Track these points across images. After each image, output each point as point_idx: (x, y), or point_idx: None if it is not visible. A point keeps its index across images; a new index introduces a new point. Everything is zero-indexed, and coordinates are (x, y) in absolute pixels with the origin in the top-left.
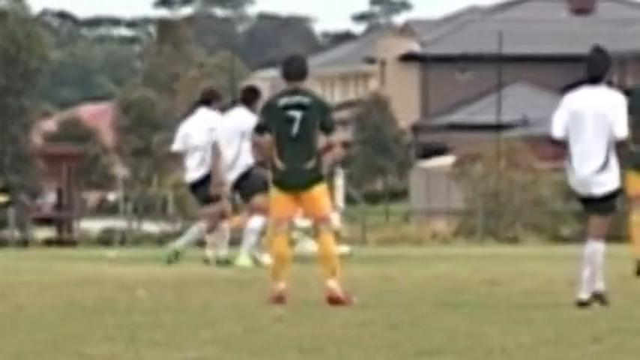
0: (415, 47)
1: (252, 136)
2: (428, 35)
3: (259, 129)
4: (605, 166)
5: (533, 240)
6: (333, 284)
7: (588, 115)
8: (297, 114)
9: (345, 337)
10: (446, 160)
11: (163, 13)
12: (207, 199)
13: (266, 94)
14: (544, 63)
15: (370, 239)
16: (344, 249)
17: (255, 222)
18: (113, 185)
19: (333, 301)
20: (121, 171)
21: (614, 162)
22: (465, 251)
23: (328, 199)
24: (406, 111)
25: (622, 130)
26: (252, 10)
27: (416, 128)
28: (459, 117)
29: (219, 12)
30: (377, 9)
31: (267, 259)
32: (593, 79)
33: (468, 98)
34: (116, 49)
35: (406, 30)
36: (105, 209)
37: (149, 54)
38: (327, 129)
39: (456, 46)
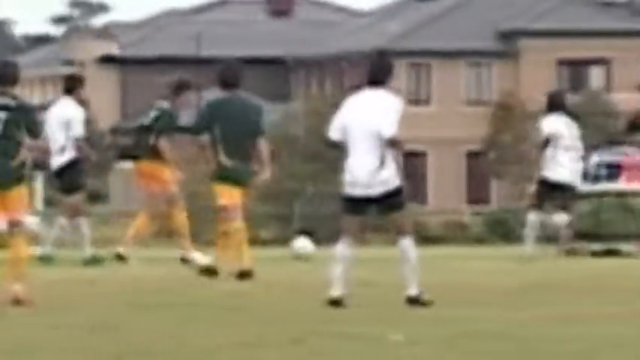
0: (114, 50)
1: None
2: (127, 38)
3: None
4: (381, 166)
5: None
6: (18, 287)
7: (364, 118)
8: (2, 115)
9: (44, 340)
10: None
11: None
12: (70, 189)
13: None
14: (243, 65)
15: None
16: (41, 250)
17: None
18: None
19: (17, 302)
20: None
21: (390, 161)
22: (167, 253)
23: (24, 202)
24: (105, 113)
25: (388, 130)
26: None
27: (115, 130)
28: None
29: None
30: (76, 11)
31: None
32: (373, 83)
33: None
34: None
35: (105, 32)
36: None
37: None
38: (33, 132)
39: (154, 49)
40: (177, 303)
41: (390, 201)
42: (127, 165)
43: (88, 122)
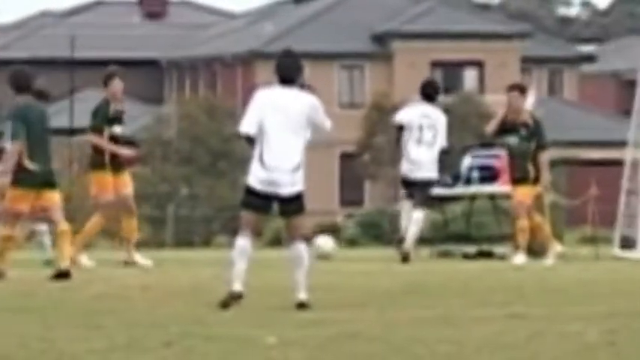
0: None
1: None
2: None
3: None
4: (299, 166)
5: (105, 244)
6: None
7: (284, 116)
8: None
9: None
10: None
11: None
12: None
13: None
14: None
15: None
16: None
17: None
18: None
19: None
20: None
21: (303, 163)
22: (37, 256)
23: None
24: None
25: (327, 124)
26: None
27: None
28: None
29: None
30: None
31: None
32: (286, 81)
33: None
34: None
35: None
36: None
37: None
38: None
39: (27, 51)
40: (45, 306)
41: (294, 203)
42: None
43: None
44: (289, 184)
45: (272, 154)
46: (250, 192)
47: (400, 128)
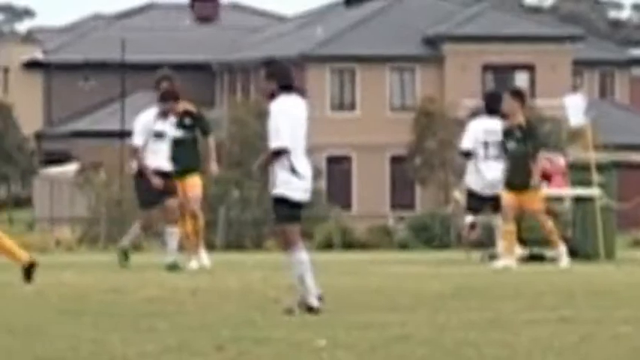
0: (39, 55)
1: None
2: (51, 43)
3: None
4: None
5: (156, 248)
6: None
7: (301, 124)
8: None
9: None
10: (70, 168)
11: None
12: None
13: None
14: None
15: None
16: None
17: None
18: None
19: None
20: None
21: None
22: (89, 259)
23: None
24: (29, 118)
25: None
26: None
27: (39, 136)
28: (82, 125)
29: None
30: (0, 17)
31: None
32: (290, 88)
33: (92, 106)
34: None
35: (29, 37)
36: None
37: None
38: None
39: (79, 54)
40: (97, 309)
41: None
42: (53, 171)
43: (14, 128)
44: (310, 189)
45: (301, 163)
46: (292, 204)
47: (466, 154)
